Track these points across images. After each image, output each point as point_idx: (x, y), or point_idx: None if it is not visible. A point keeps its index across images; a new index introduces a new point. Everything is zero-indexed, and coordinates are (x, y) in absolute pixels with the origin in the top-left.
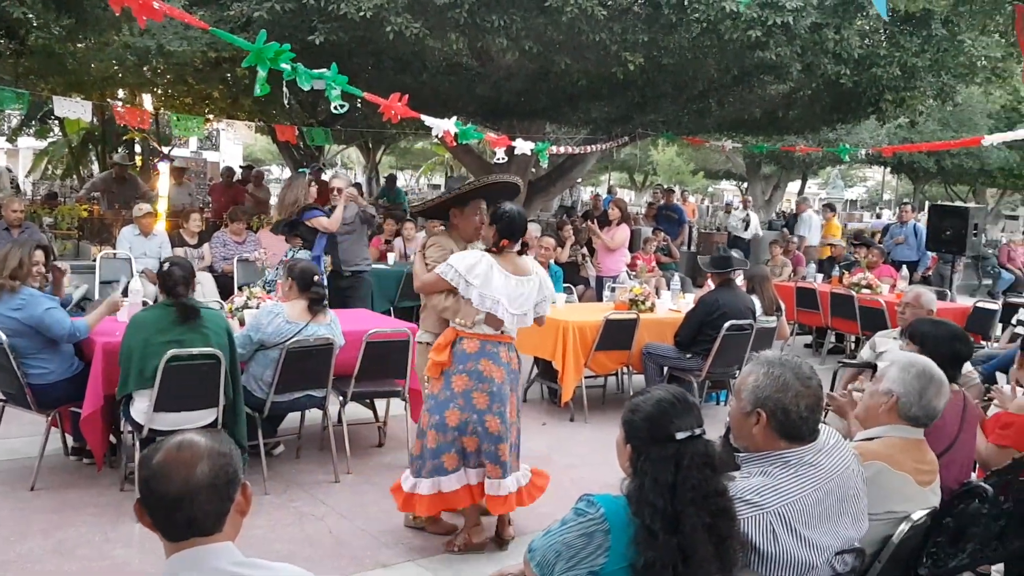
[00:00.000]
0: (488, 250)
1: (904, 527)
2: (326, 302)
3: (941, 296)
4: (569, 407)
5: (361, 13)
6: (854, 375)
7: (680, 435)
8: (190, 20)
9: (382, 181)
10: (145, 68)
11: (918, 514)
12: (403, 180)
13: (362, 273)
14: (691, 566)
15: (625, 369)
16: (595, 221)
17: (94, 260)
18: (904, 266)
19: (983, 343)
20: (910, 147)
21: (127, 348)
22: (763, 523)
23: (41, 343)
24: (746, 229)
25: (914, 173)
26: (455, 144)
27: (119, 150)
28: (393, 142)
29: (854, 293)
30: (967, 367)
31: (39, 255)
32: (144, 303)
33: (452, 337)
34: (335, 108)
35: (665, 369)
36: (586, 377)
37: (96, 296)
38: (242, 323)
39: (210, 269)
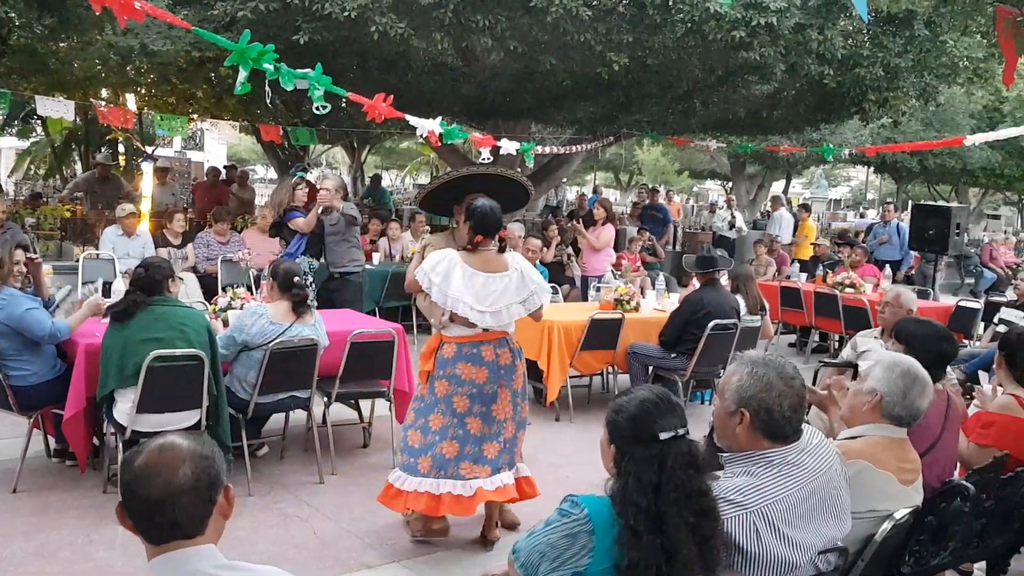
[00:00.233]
0: (464, 247)
1: (887, 526)
2: (311, 302)
3: (924, 295)
4: (554, 407)
5: (346, 13)
6: (835, 375)
7: (664, 435)
8: (172, 20)
9: (367, 181)
10: (128, 68)
11: (901, 513)
12: (388, 180)
13: (350, 275)
14: (675, 566)
15: (610, 369)
16: (580, 221)
17: (77, 261)
18: (887, 265)
19: (965, 342)
20: (893, 147)
21: (106, 347)
22: (746, 523)
23: (22, 344)
24: (731, 228)
25: (897, 173)
26: (440, 144)
27: (102, 150)
28: (378, 142)
29: (838, 292)
30: None
31: (19, 255)
32: None
33: (436, 344)
34: (317, 109)
35: (650, 369)
36: (571, 377)
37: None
38: (226, 324)
39: (193, 270)
